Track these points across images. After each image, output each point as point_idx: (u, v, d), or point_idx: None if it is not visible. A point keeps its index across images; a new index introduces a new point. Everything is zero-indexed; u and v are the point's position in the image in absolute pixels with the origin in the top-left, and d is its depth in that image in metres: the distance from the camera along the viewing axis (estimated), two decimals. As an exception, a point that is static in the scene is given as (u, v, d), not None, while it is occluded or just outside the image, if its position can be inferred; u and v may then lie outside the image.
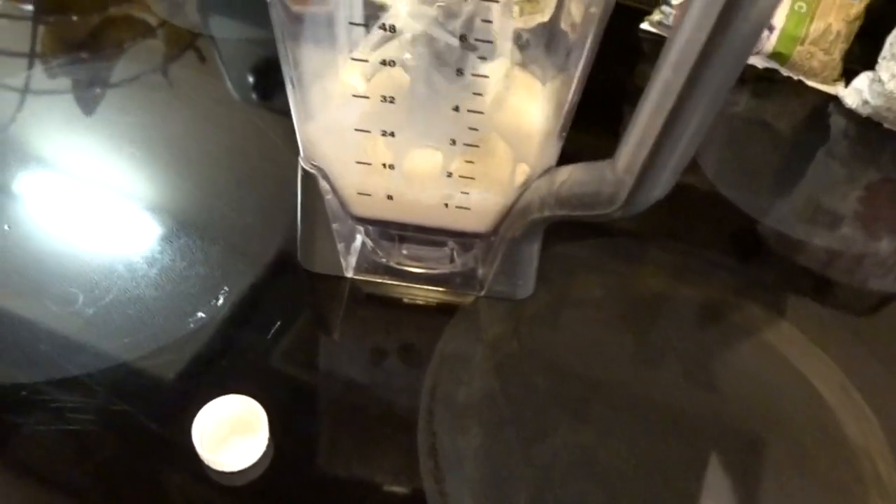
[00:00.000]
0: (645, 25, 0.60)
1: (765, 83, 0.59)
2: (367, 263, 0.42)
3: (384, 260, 0.42)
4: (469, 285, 0.41)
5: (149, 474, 0.31)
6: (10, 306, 0.38)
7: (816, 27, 0.56)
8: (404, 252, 0.42)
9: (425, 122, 0.35)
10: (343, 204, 0.39)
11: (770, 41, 0.57)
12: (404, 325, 0.40)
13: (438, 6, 0.34)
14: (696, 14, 0.25)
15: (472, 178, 0.36)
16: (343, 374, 0.37)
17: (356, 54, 0.35)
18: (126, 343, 0.37)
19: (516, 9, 0.62)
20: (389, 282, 0.42)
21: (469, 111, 0.34)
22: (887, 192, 0.55)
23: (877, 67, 0.55)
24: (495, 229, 0.39)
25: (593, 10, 0.31)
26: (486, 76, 0.34)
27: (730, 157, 0.54)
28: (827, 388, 0.40)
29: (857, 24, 0.56)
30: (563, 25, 0.36)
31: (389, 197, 0.38)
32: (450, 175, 0.36)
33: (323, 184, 0.38)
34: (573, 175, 0.34)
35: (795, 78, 0.58)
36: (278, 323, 0.39)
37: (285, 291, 0.41)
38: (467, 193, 0.37)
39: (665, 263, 0.46)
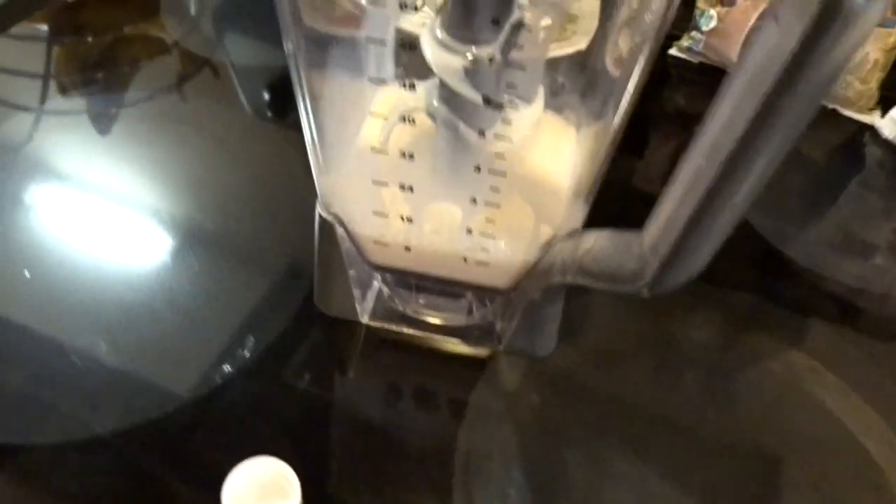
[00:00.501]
0: (673, 51, 0.58)
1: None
2: (384, 310, 0.42)
3: (401, 308, 0.41)
4: (487, 339, 0.40)
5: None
6: (32, 360, 0.38)
7: (855, 56, 0.54)
8: (421, 301, 0.41)
9: (445, 179, 0.34)
10: (360, 251, 0.38)
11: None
12: (428, 375, 0.40)
13: (467, 55, 0.33)
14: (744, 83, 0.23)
15: (492, 236, 0.35)
16: (369, 424, 0.37)
17: (375, 107, 0.34)
18: (152, 398, 0.36)
19: (543, 34, 0.60)
20: (406, 329, 0.41)
21: (491, 172, 0.33)
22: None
23: (916, 99, 0.53)
24: (515, 286, 0.38)
25: (645, 41, 0.28)
26: (510, 139, 0.32)
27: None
28: (867, 437, 0.39)
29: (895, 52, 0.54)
30: (608, 60, 0.35)
31: (407, 248, 0.37)
32: (469, 231, 0.35)
33: (340, 231, 0.37)
34: (598, 243, 0.32)
35: (830, 107, 0.56)
36: (307, 376, 0.38)
37: (312, 339, 0.41)
38: (487, 250, 0.36)
39: (694, 307, 0.44)
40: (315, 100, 0.33)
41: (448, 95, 0.34)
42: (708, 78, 0.58)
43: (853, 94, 0.55)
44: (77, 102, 0.57)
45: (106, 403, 0.36)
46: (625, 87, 0.30)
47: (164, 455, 0.34)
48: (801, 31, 0.20)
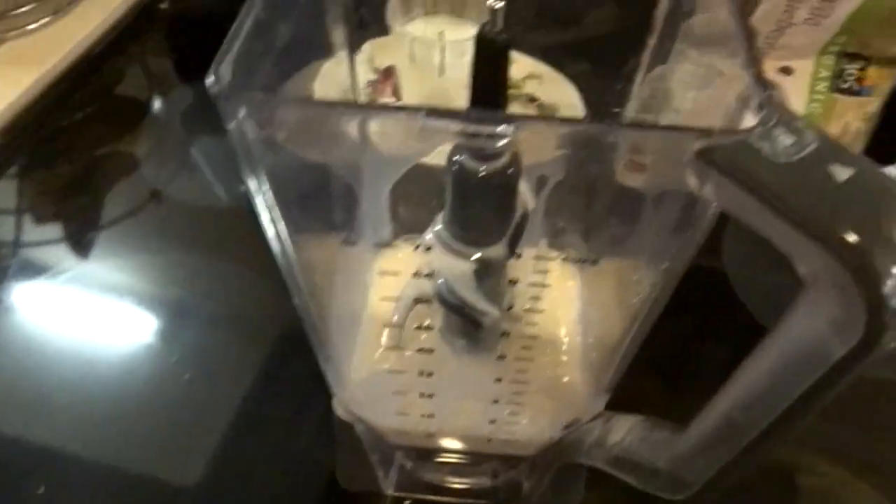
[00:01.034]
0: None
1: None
2: (408, 480, 0.41)
3: (424, 476, 0.41)
4: (514, 499, 0.40)
5: None
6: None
7: (835, 128, 0.54)
8: (445, 469, 0.40)
9: (465, 390, 0.33)
10: (381, 436, 0.37)
11: (787, 144, 0.55)
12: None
13: (476, 259, 0.32)
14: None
15: (516, 421, 0.35)
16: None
17: (387, 342, 0.33)
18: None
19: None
20: (431, 497, 0.40)
21: (513, 382, 0.32)
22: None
23: (900, 167, 0.53)
24: (542, 453, 0.37)
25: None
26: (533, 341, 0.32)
27: (753, 252, 0.52)
28: None
29: (875, 119, 0.54)
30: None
31: (429, 435, 0.36)
32: (493, 421, 0.35)
33: (359, 425, 0.37)
34: (630, 436, 0.32)
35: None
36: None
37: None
38: (512, 431, 0.35)
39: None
40: (308, 272, 0.32)
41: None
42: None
43: (837, 162, 0.55)
44: (52, 231, 0.56)
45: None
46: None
47: None
48: (850, 344, 0.19)
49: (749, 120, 0.20)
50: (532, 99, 0.57)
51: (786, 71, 0.54)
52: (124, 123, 0.64)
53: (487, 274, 0.33)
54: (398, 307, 0.35)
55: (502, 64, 0.27)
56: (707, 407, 0.26)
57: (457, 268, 0.32)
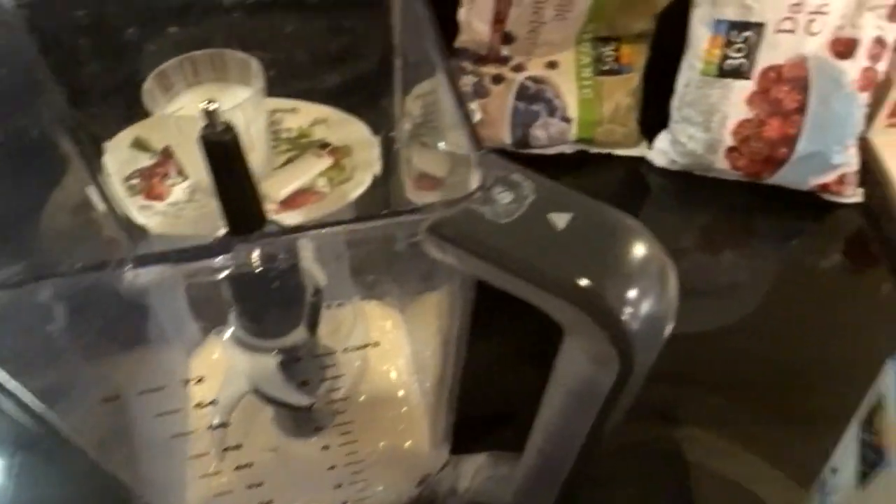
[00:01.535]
0: (450, 147, 0.59)
1: (578, 162, 0.60)
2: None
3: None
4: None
5: None
6: None
7: (608, 108, 0.57)
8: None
9: (301, 487, 0.32)
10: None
11: (571, 132, 0.57)
12: None
13: (277, 354, 0.31)
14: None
15: (367, 495, 0.34)
16: None
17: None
18: None
19: (323, 180, 0.58)
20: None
21: (347, 465, 0.31)
22: (712, 231, 0.58)
23: (671, 130, 0.57)
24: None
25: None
26: (348, 422, 0.31)
27: None
28: None
29: (640, 92, 0.58)
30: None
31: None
32: (344, 503, 0.34)
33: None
34: (480, 474, 0.32)
35: (605, 152, 0.59)
36: None
37: None
38: (364, 497, 0.34)
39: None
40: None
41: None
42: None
43: (620, 137, 0.58)
44: None
45: None
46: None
47: None
48: (613, 374, 0.20)
49: (471, 184, 0.20)
50: (324, 145, 0.56)
51: (552, 65, 0.57)
52: None
53: (298, 359, 0.32)
54: (217, 410, 0.33)
55: (238, 161, 0.26)
56: (528, 443, 0.27)
57: (259, 364, 0.31)
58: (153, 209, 0.54)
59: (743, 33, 0.51)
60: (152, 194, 0.54)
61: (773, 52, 0.51)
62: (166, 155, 0.55)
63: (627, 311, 0.19)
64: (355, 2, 0.42)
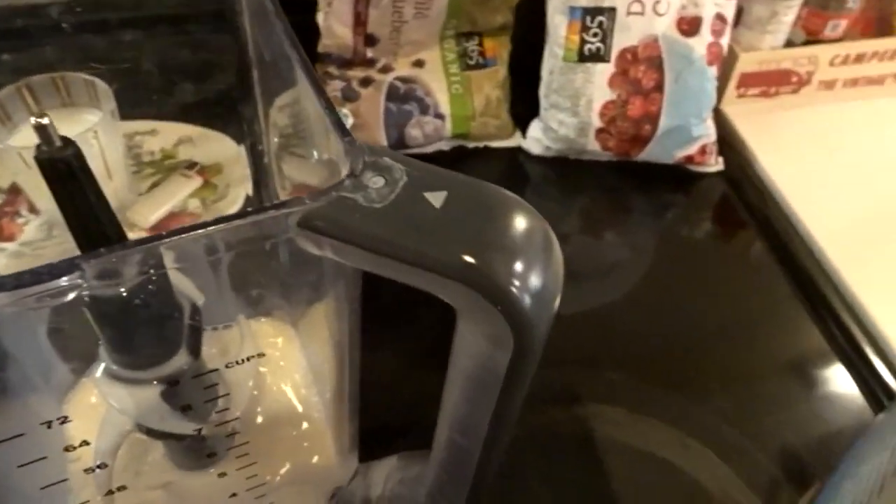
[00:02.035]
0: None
1: (456, 158, 0.60)
2: None
3: None
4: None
5: None
6: None
7: (478, 101, 0.57)
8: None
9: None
10: None
11: (446, 128, 0.57)
12: None
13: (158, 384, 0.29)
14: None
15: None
16: None
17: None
18: None
19: (195, 201, 0.55)
20: None
21: (250, 489, 0.29)
22: (592, 212, 0.60)
23: (542, 118, 0.58)
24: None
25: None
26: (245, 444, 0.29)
27: None
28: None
29: (508, 83, 0.59)
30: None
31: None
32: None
33: None
34: (392, 478, 0.31)
35: (482, 145, 0.60)
36: None
37: None
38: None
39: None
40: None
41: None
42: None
43: (494, 130, 0.59)
44: None
45: None
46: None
47: None
48: (509, 353, 0.20)
49: (340, 173, 0.19)
50: (191, 165, 0.53)
51: (419, 64, 0.57)
52: None
53: (183, 386, 0.30)
54: (99, 453, 0.31)
55: (83, 177, 0.24)
56: (435, 438, 0.26)
57: (139, 397, 0.28)
58: (6, 251, 0.49)
59: (597, 18, 0.53)
60: (3, 235, 0.49)
61: (627, 35, 0.53)
62: (14, 192, 0.51)
63: (516, 283, 0.18)
64: (204, 15, 0.40)
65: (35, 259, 0.49)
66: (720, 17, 0.54)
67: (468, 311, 0.20)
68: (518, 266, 0.19)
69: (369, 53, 0.55)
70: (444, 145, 0.59)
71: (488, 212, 0.19)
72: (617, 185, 0.60)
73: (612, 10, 0.52)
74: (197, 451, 0.32)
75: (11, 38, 0.42)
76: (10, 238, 0.48)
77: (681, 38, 0.53)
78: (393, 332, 0.46)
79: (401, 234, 0.18)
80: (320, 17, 0.52)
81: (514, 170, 0.61)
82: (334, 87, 0.55)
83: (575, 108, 0.55)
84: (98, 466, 0.27)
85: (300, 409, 0.35)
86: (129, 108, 0.50)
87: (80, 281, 0.17)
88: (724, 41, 0.55)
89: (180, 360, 0.29)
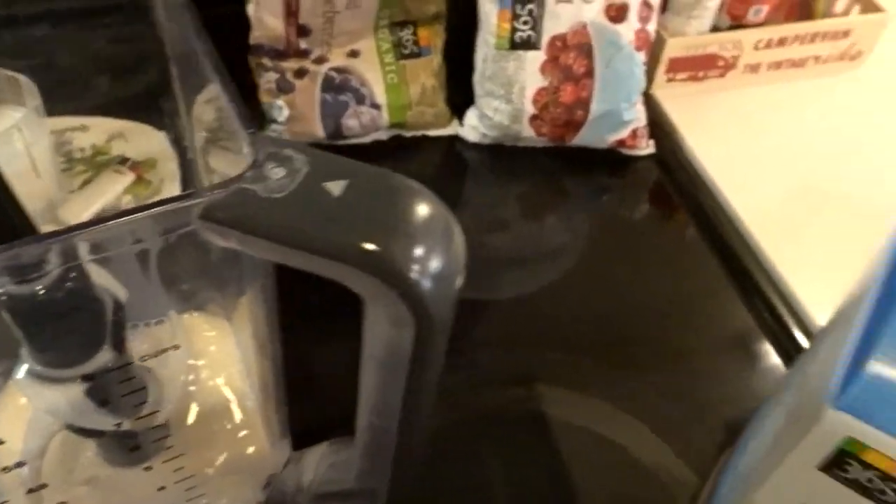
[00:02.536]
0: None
1: (394, 147, 0.60)
2: None
3: None
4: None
5: None
6: None
7: (414, 91, 0.58)
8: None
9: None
10: None
11: (383, 118, 0.58)
12: None
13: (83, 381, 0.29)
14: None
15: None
16: None
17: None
18: None
19: (128, 198, 0.54)
20: None
21: (178, 482, 0.29)
22: (531, 198, 0.61)
23: (477, 105, 0.59)
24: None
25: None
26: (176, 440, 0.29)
27: None
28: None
29: (443, 71, 0.59)
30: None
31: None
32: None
33: None
34: (322, 464, 0.32)
35: (419, 134, 0.60)
36: None
37: None
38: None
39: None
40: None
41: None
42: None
43: (431, 118, 0.59)
44: None
45: None
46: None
47: None
48: (412, 335, 0.20)
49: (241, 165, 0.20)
50: (123, 160, 0.52)
51: (353, 54, 0.57)
52: None
53: (107, 383, 0.30)
54: (26, 453, 0.30)
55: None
56: (356, 423, 0.26)
57: (64, 396, 0.28)
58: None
59: (527, 6, 0.53)
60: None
61: (557, 22, 0.54)
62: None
63: (415, 268, 0.19)
64: (122, 7, 0.40)
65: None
66: (646, 4, 0.55)
67: (372, 297, 0.20)
68: (417, 251, 0.19)
69: (303, 44, 0.55)
70: (382, 135, 0.59)
71: (389, 200, 0.20)
72: (553, 170, 0.61)
73: (541, -2, 0.53)
74: (126, 447, 0.33)
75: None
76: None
77: (609, 25, 0.55)
78: (334, 325, 0.47)
79: (299, 223, 0.19)
80: (250, 9, 0.51)
81: (452, 158, 0.62)
82: (269, 79, 0.55)
83: (508, 95, 0.56)
84: (16, 465, 0.27)
85: (234, 401, 0.35)
86: (59, 103, 0.49)
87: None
88: (651, 27, 0.57)
89: (104, 357, 0.29)
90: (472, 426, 0.45)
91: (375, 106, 0.57)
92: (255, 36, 0.53)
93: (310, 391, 0.34)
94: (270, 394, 0.31)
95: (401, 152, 0.61)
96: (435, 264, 0.20)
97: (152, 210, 0.18)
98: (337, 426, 0.37)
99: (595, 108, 0.56)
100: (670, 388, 0.48)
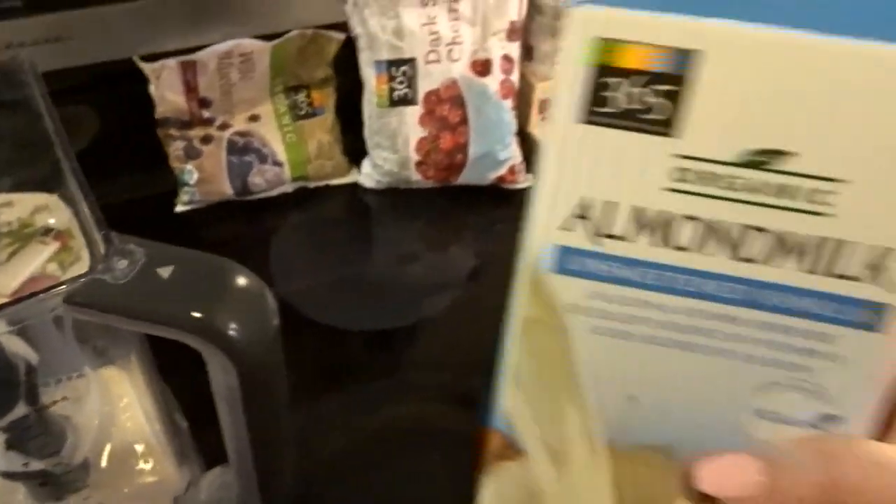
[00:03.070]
0: (180, 208, 0.63)
1: (300, 197, 0.67)
2: None
3: None
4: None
5: None
6: None
7: (312, 147, 0.65)
8: None
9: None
10: None
11: (286, 173, 0.64)
12: None
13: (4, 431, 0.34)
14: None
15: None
16: None
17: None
18: None
19: (53, 265, 0.60)
20: None
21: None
22: (427, 234, 0.68)
23: (370, 156, 0.66)
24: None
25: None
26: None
27: (300, 267, 0.62)
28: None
29: (337, 127, 0.66)
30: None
31: None
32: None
33: None
34: (212, 485, 0.38)
35: (323, 184, 0.67)
36: None
37: None
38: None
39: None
40: None
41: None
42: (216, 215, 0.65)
43: (330, 170, 0.66)
44: None
45: None
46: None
47: None
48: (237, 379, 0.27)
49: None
50: (47, 231, 0.58)
51: (254, 119, 0.63)
52: None
53: (32, 429, 0.35)
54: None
55: None
56: (227, 447, 0.33)
57: (-15, 448, 0.34)
58: None
59: (401, 68, 0.61)
60: None
61: (429, 80, 0.61)
62: None
63: (233, 327, 0.26)
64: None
65: None
66: (507, 58, 0.63)
67: (206, 352, 0.27)
68: (235, 314, 0.26)
69: (206, 114, 0.61)
70: (288, 188, 0.66)
71: (211, 277, 0.26)
72: (446, 207, 0.68)
73: (413, 60, 0.60)
74: (54, 488, 0.38)
75: None
76: None
77: (476, 79, 0.62)
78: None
79: (139, 301, 0.25)
80: (152, 89, 0.58)
81: (353, 203, 0.68)
82: (177, 147, 0.61)
83: (394, 146, 0.63)
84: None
85: (141, 438, 0.41)
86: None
87: None
88: (514, 77, 0.64)
89: (19, 411, 0.35)
90: (384, 442, 0.51)
91: (278, 163, 0.64)
92: (160, 111, 0.59)
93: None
94: (169, 430, 0.37)
95: (306, 202, 0.67)
96: (250, 323, 0.26)
97: (25, 302, 0.25)
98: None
99: (473, 151, 0.63)
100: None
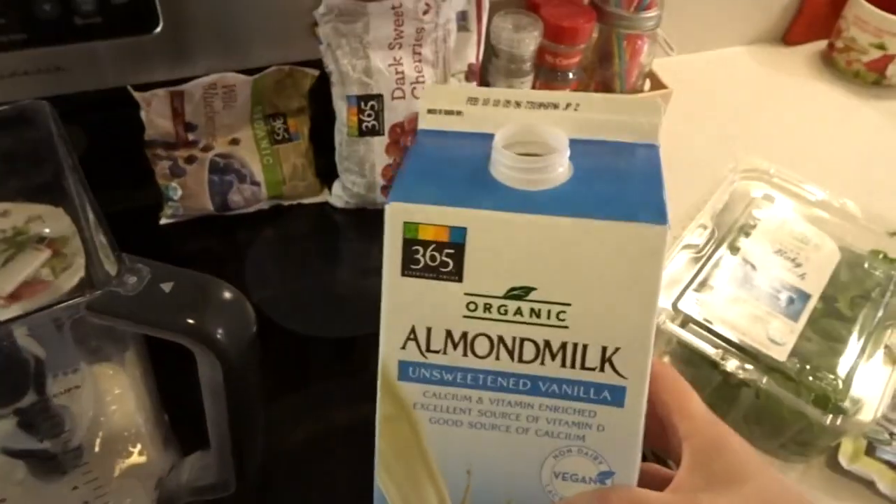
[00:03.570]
0: (164, 220, 0.69)
1: (275, 214, 0.73)
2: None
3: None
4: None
5: None
6: None
7: (287, 169, 0.71)
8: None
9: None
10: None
11: (263, 192, 0.71)
12: None
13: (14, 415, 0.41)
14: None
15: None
16: None
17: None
18: None
19: (46, 270, 0.67)
20: None
21: (93, 486, 0.41)
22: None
23: (340, 179, 0.72)
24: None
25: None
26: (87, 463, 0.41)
27: (273, 277, 0.69)
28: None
29: (311, 151, 0.73)
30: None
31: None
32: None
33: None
34: (194, 465, 0.44)
35: (295, 203, 0.74)
36: None
37: None
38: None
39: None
40: None
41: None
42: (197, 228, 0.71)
43: (304, 190, 0.73)
44: None
45: None
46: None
47: None
48: (222, 374, 0.33)
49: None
50: (41, 239, 0.64)
51: (235, 142, 0.70)
52: None
53: (35, 416, 0.42)
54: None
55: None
56: (210, 434, 0.39)
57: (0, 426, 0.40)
58: None
59: (369, 103, 0.68)
60: None
61: (395, 113, 0.68)
62: None
63: (220, 331, 0.32)
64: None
65: None
66: (465, 97, 0.70)
67: (198, 352, 0.33)
68: (221, 320, 0.33)
69: (190, 137, 0.67)
70: (264, 205, 0.72)
71: (202, 291, 0.33)
72: (408, 227, 0.75)
73: (380, 96, 0.67)
74: (53, 467, 0.44)
75: None
76: None
77: (437, 114, 0.69)
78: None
79: (145, 310, 0.32)
80: (143, 114, 0.64)
81: (324, 221, 0.75)
82: (163, 166, 0.67)
83: (362, 171, 0.70)
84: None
85: (130, 425, 0.47)
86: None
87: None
88: (472, 113, 0.71)
89: (30, 398, 0.41)
90: (342, 435, 0.57)
91: (255, 183, 0.70)
92: (149, 133, 0.65)
93: (194, 414, 0.46)
94: (155, 418, 0.44)
95: (280, 219, 0.74)
96: (234, 327, 0.33)
97: (58, 306, 0.31)
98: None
99: (432, 177, 0.70)
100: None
